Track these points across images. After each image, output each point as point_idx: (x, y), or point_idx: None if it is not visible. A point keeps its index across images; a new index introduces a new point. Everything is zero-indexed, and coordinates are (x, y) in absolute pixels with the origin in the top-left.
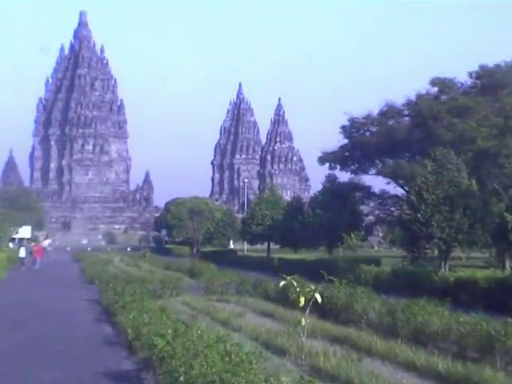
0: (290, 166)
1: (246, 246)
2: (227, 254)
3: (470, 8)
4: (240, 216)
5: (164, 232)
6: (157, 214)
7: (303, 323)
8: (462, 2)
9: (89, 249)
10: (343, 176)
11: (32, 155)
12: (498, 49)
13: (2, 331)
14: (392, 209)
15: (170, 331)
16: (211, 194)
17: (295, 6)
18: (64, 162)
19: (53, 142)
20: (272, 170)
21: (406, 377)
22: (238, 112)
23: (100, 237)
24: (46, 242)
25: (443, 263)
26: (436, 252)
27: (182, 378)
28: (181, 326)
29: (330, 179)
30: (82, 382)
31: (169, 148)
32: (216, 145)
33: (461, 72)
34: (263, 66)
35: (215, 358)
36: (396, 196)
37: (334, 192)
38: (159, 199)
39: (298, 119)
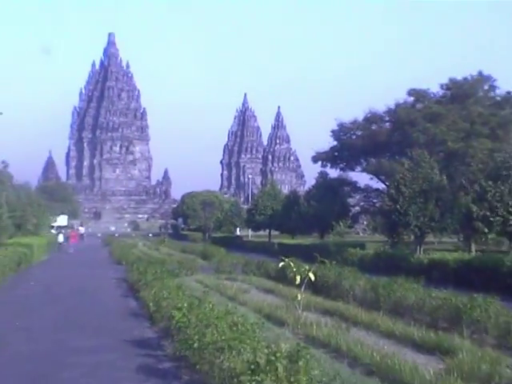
0: (287, 164)
1: (250, 232)
2: (234, 239)
3: (441, 27)
4: (245, 207)
5: (180, 220)
6: (174, 205)
7: (299, 298)
8: (436, 23)
9: (116, 235)
10: (333, 173)
11: (68, 155)
12: (466, 64)
13: (43, 304)
14: (375, 201)
15: (185, 305)
16: (220, 188)
17: (292, 27)
18: (95, 161)
19: (86, 144)
20: (272, 168)
21: (386, 344)
22: (244, 118)
23: (126, 224)
24: (82, 229)
25: (418, 247)
26: (412, 237)
27: (195, 345)
28: (195, 301)
29: (322, 175)
30: (111, 348)
31: (184, 149)
32: (224, 146)
33: (433, 84)
34: (265, 79)
35: (224, 327)
36: (378, 190)
37: (325, 186)
38: (176, 193)
39: (295, 124)
